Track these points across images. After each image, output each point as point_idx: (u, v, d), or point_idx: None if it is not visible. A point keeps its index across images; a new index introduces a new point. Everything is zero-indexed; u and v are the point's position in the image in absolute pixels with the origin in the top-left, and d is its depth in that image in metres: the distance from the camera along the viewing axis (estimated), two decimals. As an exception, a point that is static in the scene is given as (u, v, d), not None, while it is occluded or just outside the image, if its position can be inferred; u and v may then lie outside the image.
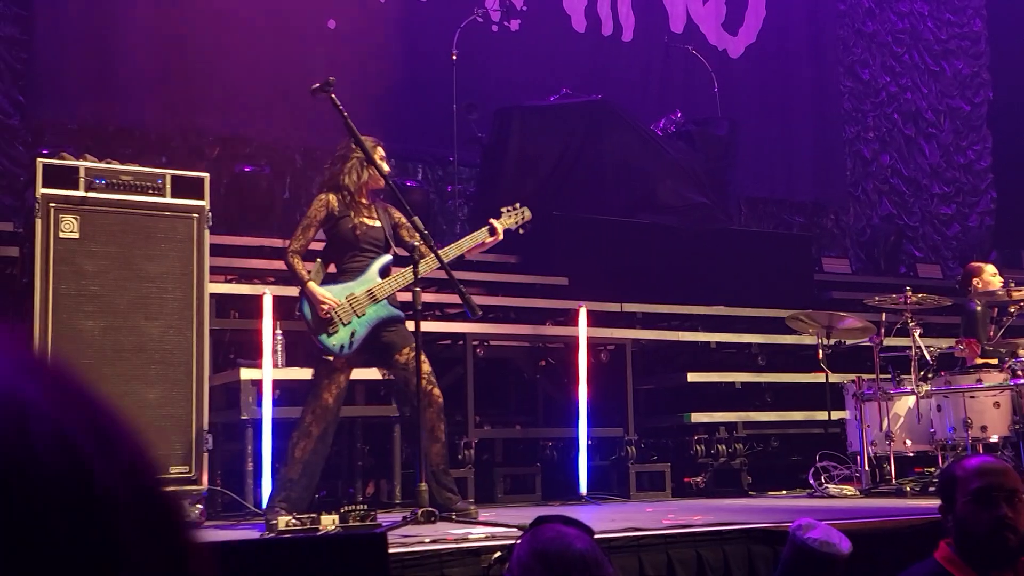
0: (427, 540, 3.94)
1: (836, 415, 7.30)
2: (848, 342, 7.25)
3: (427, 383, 5.04)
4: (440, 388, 6.96)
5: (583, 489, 6.67)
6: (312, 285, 5.01)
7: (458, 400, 6.76)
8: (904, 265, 12.68)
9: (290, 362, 6.21)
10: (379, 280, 5.10)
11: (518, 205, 5.49)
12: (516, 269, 8.92)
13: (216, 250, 7.05)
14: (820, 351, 7.13)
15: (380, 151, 5.18)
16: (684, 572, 4.04)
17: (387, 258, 5.16)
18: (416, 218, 4.75)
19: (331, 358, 5.03)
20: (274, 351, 5.98)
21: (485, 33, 10.44)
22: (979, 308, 7.27)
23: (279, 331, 6.10)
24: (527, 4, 11.01)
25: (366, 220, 5.14)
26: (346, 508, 4.43)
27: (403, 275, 5.06)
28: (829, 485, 6.78)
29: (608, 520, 5.09)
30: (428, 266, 4.94)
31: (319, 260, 5.23)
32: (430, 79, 9.94)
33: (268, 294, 5.99)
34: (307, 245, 5.18)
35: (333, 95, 4.65)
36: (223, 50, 9.53)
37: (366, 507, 4.51)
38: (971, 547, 2.81)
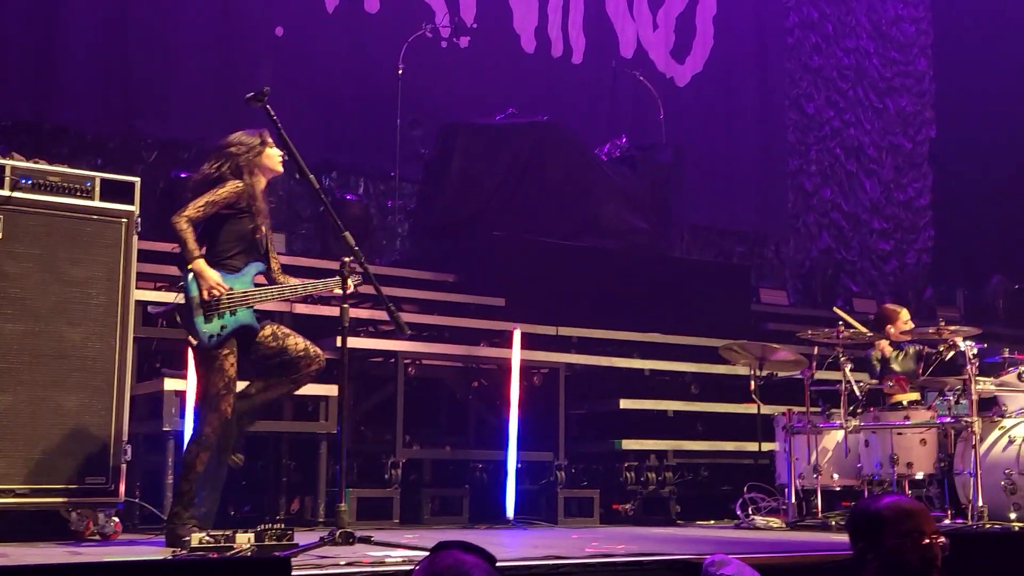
0: (342, 563, 3.86)
1: (766, 447, 7.33)
2: (780, 374, 7.29)
3: (307, 343, 4.98)
4: (370, 406, 6.94)
5: (510, 513, 6.62)
6: (204, 264, 4.77)
7: (387, 419, 6.68)
8: (841, 299, 12.80)
9: (216, 374, 6.08)
10: (252, 286, 4.92)
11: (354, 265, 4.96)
12: (452, 288, 8.87)
13: (148, 256, 6.94)
14: (752, 382, 7.15)
15: (271, 138, 5.02)
16: (602, 602, 4.00)
17: (261, 267, 4.99)
18: (347, 234, 4.65)
19: (195, 343, 4.78)
20: (199, 362, 5.85)
21: (434, 49, 10.41)
22: (874, 352, 7.37)
23: (205, 342, 5.96)
24: (477, 21, 10.99)
25: (261, 225, 4.96)
26: (263, 526, 4.33)
27: (274, 291, 4.98)
28: (756, 517, 6.79)
29: (531, 546, 5.04)
30: (293, 293, 5.04)
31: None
32: (376, 92, 9.88)
33: (196, 304, 5.86)
34: (201, 220, 4.84)
35: (268, 106, 4.57)
36: (167, 53, 9.40)
37: (283, 525, 4.42)
38: None
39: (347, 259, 4.66)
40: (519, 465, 6.80)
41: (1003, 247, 13.35)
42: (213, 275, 4.77)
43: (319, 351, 5.03)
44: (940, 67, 14.84)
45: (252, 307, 4.88)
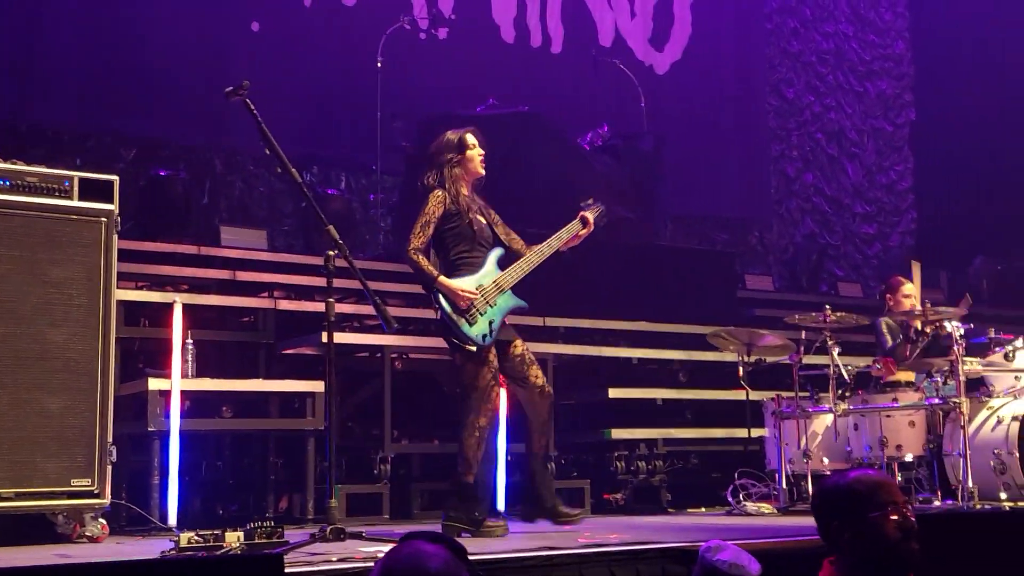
0: (335, 559, 3.83)
1: (756, 432, 7.31)
2: (768, 360, 7.27)
3: (544, 374, 5.40)
4: (357, 401, 6.91)
5: (501, 505, 6.59)
6: (444, 280, 5.10)
7: (375, 414, 6.64)
8: (826, 283, 12.83)
9: (200, 372, 6.04)
10: (500, 271, 5.27)
11: (592, 200, 5.68)
12: (438, 281, 8.81)
13: (128, 255, 6.89)
14: (741, 368, 7.13)
15: (473, 139, 5.37)
16: (597, 592, 3.98)
17: (500, 251, 5.36)
18: (331, 227, 4.60)
19: (473, 348, 5.10)
20: (184, 361, 5.82)
21: (412, 41, 10.34)
22: (884, 323, 7.34)
23: (189, 340, 5.93)
24: (455, 13, 10.94)
25: (478, 217, 5.28)
26: (252, 524, 4.29)
27: (520, 266, 5.31)
28: (747, 503, 6.77)
29: (524, 538, 5.02)
30: (541, 256, 5.37)
31: (433, 253, 5.30)
32: (355, 86, 9.82)
33: (178, 302, 5.82)
34: (427, 242, 5.22)
35: (248, 99, 4.51)
36: (145, 51, 9.32)
37: (273, 523, 4.37)
38: (878, 558, 2.84)
39: (331, 253, 4.61)
40: (508, 457, 6.76)
41: (985, 228, 13.39)
42: (457, 285, 5.09)
43: (550, 388, 5.39)
44: (918, 50, 14.87)
45: (508, 290, 5.25)
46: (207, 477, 6.54)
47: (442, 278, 5.11)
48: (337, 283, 4.81)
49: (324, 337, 4.62)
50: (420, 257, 5.14)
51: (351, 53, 10.01)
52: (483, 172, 5.40)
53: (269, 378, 6.70)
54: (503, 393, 5.37)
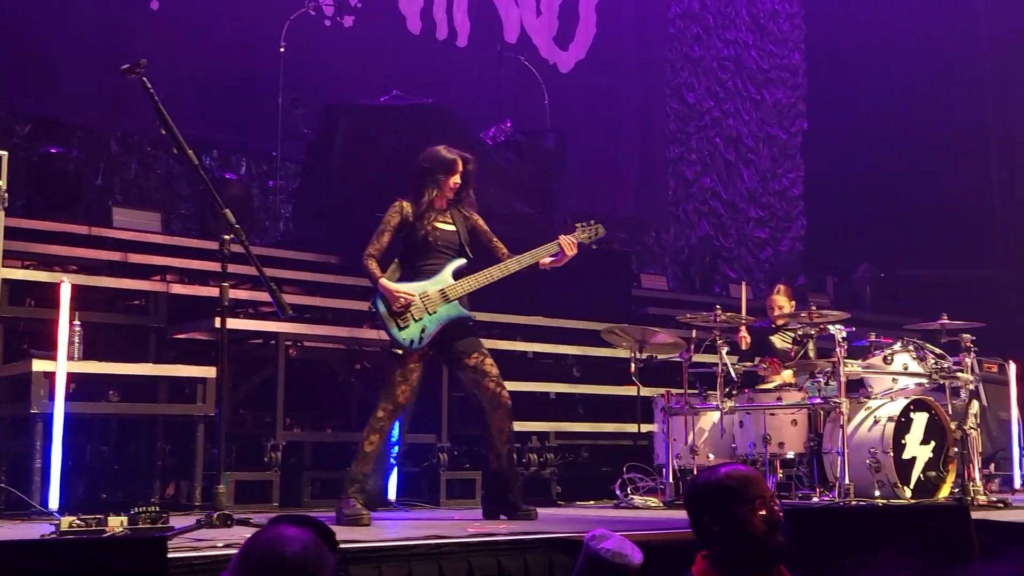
0: (220, 544, 3.81)
1: (645, 428, 7.45)
2: (659, 357, 7.41)
3: (497, 386, 5.40)
4: (250, 388, 6.84)
5: (392, 495, 6.60)
6: (385, 281, 5.24)
7: (268, 401, 6.59)
8: (718, 285, 13.11)
9: (88, 355, 5.92)
10: (452, 281, 5.33)
11: (592, 222, 5.94)
12: (335, 270, 8.77)
13: (16, 233, 6.71)
14: (632, 365, 7.26)
15: (459, 167, 5.41)
16: (484, 581, 4.02)
17: (461, 261, 5.42)
18: (227, 211, 4.57)
19: (400, 352, 5.22)
20: (70, 343, 5.70)
21: (317, 27, 10.26)
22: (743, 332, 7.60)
23: (76, 322, 5.81)
24: (361, 2, 10.87)
25: (440, 225, 5.39)
26: (136, 509, 4.23)
27: (475, 278, 5.38)
28: (634, 496, 6.90)
29: (413, 527, 5.05)
30: (503, 271, 5.44)
31: (396, 260, 5.41)
32: (257, 70, 9.68)
33: (66, 282, 5.70)
34: (383, 249, 5.36)
35: (144, 78, 4.45)
36: (42, 26, 9.05)
37: (157, 508, 4.33)
38: (746, 551, 2.91)
39: (227, 237, 4.57)
40: (399, 447, 6.77)
41: (869, 237, 13.86)
42: (393, 287, 5.22)
43: (506, 397, 5.43)
44: (812, 62, 15.30)
45: (454, 300, 5.32)
46: (91, 462, 6.41)
47: (383, 280, 5.27)
48: (233, 268, 4.79)
49: (217, 322, 4.58)
50: (369, 262, 5.30)
51: (254, 36, 9.87)
52: (450, 195, 5.46)
53: (159, 362, 6.60)
54: (408, 392, 5.33)
